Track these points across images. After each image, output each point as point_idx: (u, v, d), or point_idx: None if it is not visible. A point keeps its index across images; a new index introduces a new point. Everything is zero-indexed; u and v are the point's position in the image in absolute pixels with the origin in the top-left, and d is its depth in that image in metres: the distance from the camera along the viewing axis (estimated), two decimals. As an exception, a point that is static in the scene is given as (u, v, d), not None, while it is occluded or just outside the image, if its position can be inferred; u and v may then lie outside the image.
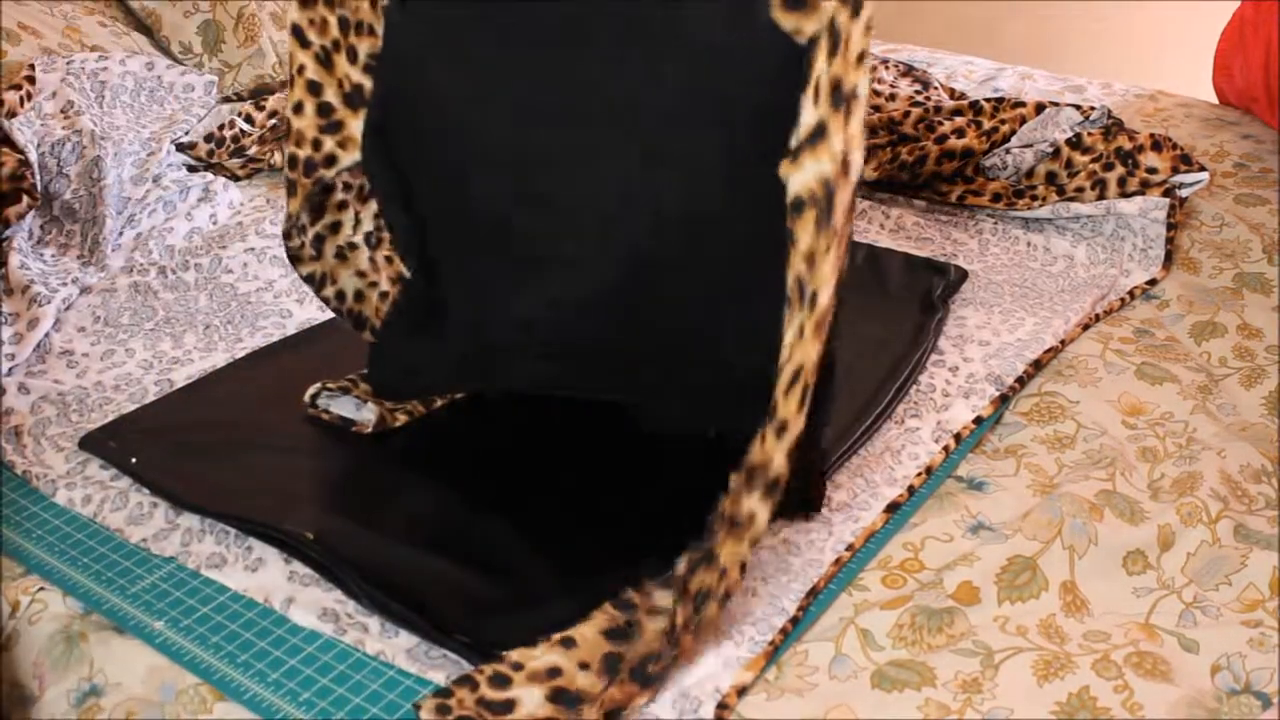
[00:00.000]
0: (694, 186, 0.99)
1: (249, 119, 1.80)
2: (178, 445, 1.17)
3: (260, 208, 1.64)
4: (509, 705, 0.88)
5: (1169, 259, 1.52)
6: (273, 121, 1.81)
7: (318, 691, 0.92)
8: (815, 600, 1.00)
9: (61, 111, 1.64)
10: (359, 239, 1.22)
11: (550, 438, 1.20)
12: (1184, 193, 1.63)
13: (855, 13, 0.88)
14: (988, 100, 1.85)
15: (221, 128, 1.77)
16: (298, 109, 1.12)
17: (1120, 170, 1.61)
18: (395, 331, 1.20)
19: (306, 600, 0.99)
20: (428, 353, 1.17)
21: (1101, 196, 1.60)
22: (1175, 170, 1.63)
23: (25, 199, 1.50)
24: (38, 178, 1.55)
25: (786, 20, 0.90)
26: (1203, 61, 2.11)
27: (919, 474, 1.14)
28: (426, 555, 1.04)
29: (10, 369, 1.29)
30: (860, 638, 0.96)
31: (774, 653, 0.95)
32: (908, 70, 2.13)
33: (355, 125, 1.12)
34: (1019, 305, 1.44)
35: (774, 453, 0.91)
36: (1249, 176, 1.71)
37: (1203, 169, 1.65)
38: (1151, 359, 1.33)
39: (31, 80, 1.68)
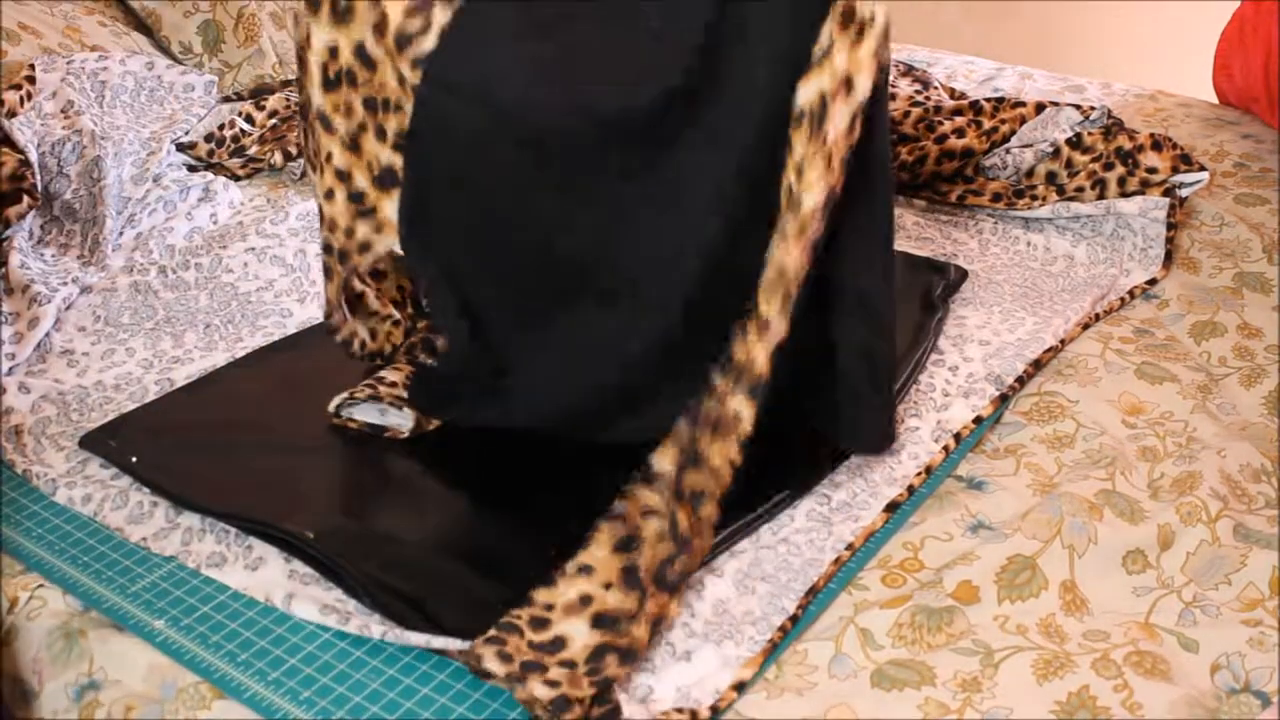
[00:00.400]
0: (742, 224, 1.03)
1: (249, 119, 1.80)
2: (178, 444, 1.17)
3: (260, 207, 1.64)
4: (559, 643, 0.90)
5: (1169, 259, 1.52)
6: (273, 121, 1.81)
7: (318, 690, 0.92)
8: (815, 599, 1.00)
9: (62, 111, 1.64)
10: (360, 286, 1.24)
11: (551, 440, 1.20)
12: (1184, 192, 1.63)
13: None
14: (988, 100, 1.85)
15: (221, 127, 1.77)
16: (329, 196, 1.10)
17: (1120, 170, 1.61)
18: (446, 377, 1.20)
19: (306, 599, 0.99)
20: (482, 397, 1.17)
21: (1101, 196, 1.60)
22: (1175, 170, 1.63)
23: (25, 199, 1.51)
24: (38, 177, 1.55)
25: None
26: (1203, 61, 2.11)
27: (919, 473, 1.14)
28: (426, 554, 1.04)
29: (10, 368, 1.29)
30: (860, 637, 0.96)
31: (773, 651, 0.95)
32: (908, 70, 2.13)
33: (389, 207, 1.09)
34: (1019, 305, 1.44)
35: (756, 352, 0.96)
36: (1249, 176, 1.72)
37: (1203, 169, 1.65)
38: (1151, 358, 1.33)
39: (32, 80, 1.68)
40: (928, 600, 0.99)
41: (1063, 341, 1.35)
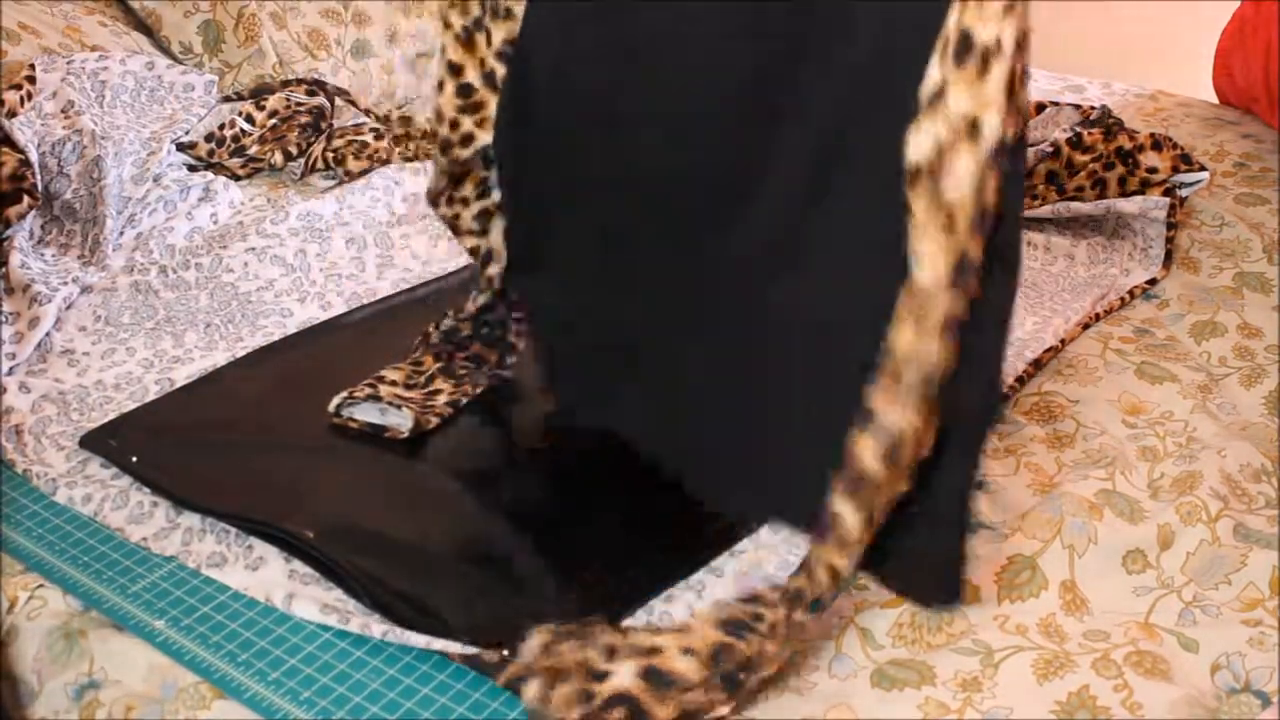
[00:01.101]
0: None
1: (249, 118, 1.80)
2: (178, 444, 1.17)
3: (260, 207, 1.64)
4: (604, 675, 0.85)
5: (1169, 258, 1.52)
6: (273, 121, 1.81)
7: (318, 690, 0.92)
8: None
9: (62, 111, 1.64)
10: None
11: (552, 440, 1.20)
12: (1184, 192, 1.63)
13: None
14: (988, 100, 1.84)
15: (222, 127, 1.77)
16: (439, 86, 1.13)
17: (1120, 170, 1.61)
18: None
19: (307, 599, 0.99)
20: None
21: (1101, 196, 1.60)
22: (1175, 170, 1.63)
23: (26, 199, 1.50)
24: (38, 177, 1.55)
25: None
26: (1203, 61, 2.10)
27: (919, 473, 1.14)
28: (427, 554, 1.04)
29: (11, 368, 1.29)
30: (860, 637, 0.96)
31: (774, 652, 0.95)
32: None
33: (494, 104, 1.13)
34: (1019, 305, 1.44)
35: (861, 448, 0.84)
36: (1249, 176, 1.71)
37: (1203, 168, 1.65)
38: (1151, 358, 1.33)
39: (32, 80, 1.68)
40: (928, 600, 0.99)
41: (1063, 341, 1.35)
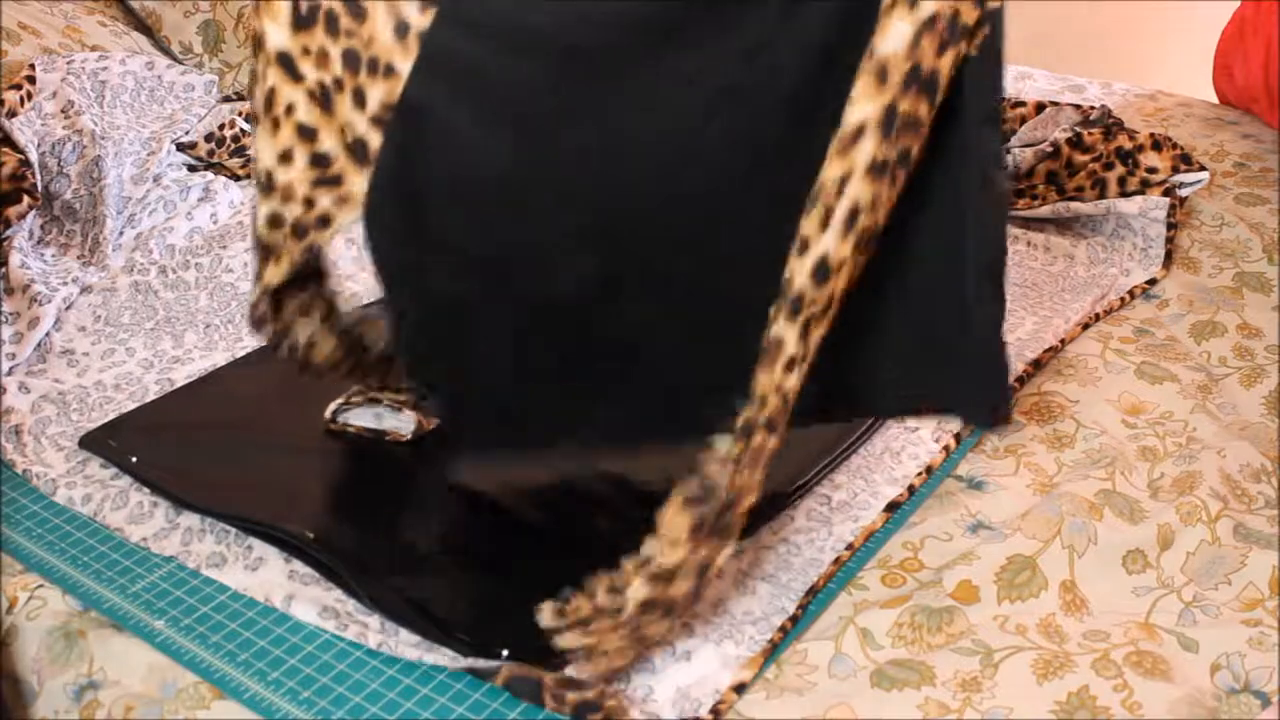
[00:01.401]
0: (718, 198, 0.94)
1: (249, 118, 1.80)
2: (178, 444, 1.17)
3: (260, 207, 1.64)
4: (619, 610, 0.88)
5: (1169, 258, 1.52)
6: (273, 121, 1.81)
7: (317, 690, 0.92)
8: (815, 599, 1.00)
9: (62, 111, 1.64)
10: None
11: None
12: (1184, 192, 1.63)
13: None
14: (988, 100, 1.84)
15: (222, 127, 1.77)
16: (285, 158, 0.92)
17: (1120, 170, 1.61)
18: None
19: (307, 599, 0.99)
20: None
21: (1101, 196, 1.60)
22: (1175, 170, 1.63)
23: (25, 199, 1.51)
24: (38, 177, 1.55)
25: None
26: (1203, 61, 2.10)
27: (919, 473, 1.14)
28: (427, 554, 1.04)
29: (11, 368, 1.29)
30: (860, 637, 0.96)
31: (773, 651, 0.95)
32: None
33: (359, 181, 0.92)
34: (1019, 305, 1.44)
35: (794, 269, 0.87)
36: (1249, 176, 1.71)
37: (1203, 169, 1.65)
38: (1151, 358, 1.33)
39: (32, 80, 1.68)
40: (928, 600, 0.99)
41: (1063, 341, 1.35)
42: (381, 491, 1.14)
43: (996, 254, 0.95)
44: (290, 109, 0.91)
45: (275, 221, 0.95)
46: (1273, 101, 1.90)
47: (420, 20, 0.86)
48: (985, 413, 1.00)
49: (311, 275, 1.06)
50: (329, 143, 0.91)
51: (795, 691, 0.92)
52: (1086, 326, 1.39)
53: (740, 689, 0.91)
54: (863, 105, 0.85)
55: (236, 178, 1.71)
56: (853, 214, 0.87)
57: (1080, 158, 1.65)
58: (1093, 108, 1.78)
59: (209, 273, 1.47)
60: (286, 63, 0.89)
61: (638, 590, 0.88)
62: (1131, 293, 1.47)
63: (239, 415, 1.23)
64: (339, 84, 0.89)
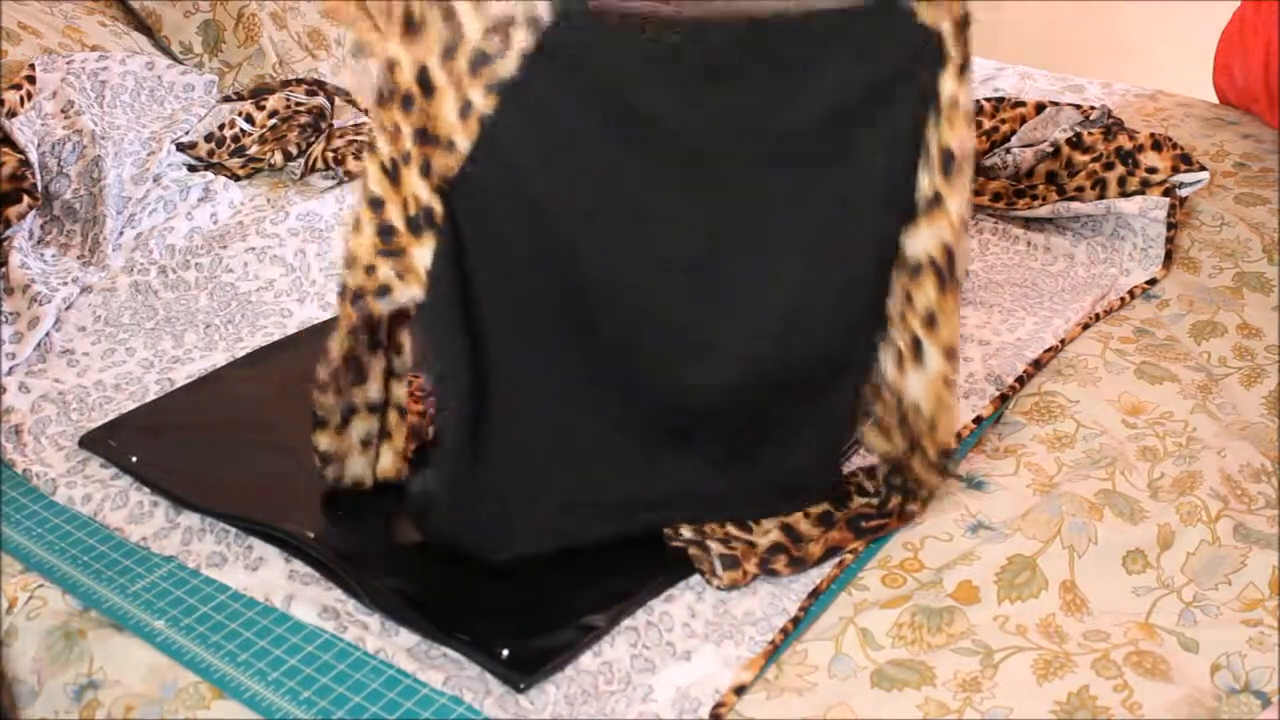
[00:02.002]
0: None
1: (249, 118, 1.80)
2: (178, 444, 1.17)
3: (260, 207, 1.64)
4: (750, 542, 1.03)
5: (1169, 258, 1.52)
6: (273, 121, 1.81)
7: (317, 690, 0.92)
8: (816, 600, 1.00)
9: (62, 111, 1.64)
10: (375, 394, 1.06)
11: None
12: (1184, 192, 1.63)
13: (961, 72, 0.99)
14: (988, 100, 1.85)
15: (222, 127, 1.77)
16: (355, 226, 0.96)
17: (1120, 170, 1.61)
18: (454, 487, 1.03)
19: (306, 599, 0.99)
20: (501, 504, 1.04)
21: (1101, 196, 1.60)
22: (1175, 170, 1.62)
23: (26, 199, 1.51)
24: (38, 177, 1.55)
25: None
26: (1203, 61, 2.10)
27: (919, 473, 1.14)
28: (426, 554, 1.04)
29: (11, 368, 1.29)
30: (860, 637, 0.96)
31: (774, 652, 0.95)
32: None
33: (418, 254, 0.95)
34: (1019, 305, 1.44)
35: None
36: (1249, 176, 1.71)
37: (1203, 169, 1.65)
38: (1151, 358, 1.33)
39: (32, 80, 1.68)
40: (928, 600, 0.99)
41: (1063, 341, 1.35)
42: (381, 491, 1.14)
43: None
44: (365, 179, 0.96)
45: (341, 290, 0.98)
46: (1273, 101, 1.90)
47: (483, 103, 0.91)
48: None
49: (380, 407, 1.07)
50: (394, 214, 0.95)
51: (795, 691, 0.92)
52: (1086, 326, 1.39)
53: (740, 690, 0.91)
54: (956, 330, 1.04)
55: (236, 178, 1.71)
56: None
57: (1080, 158, 1.65)
58: (1093, 108, 1.78)
59: (209, 273, 1.47)
60: (374, 139, 0.94)
61: (772, 535, 1.04)
62: (1131, 293, 1.47)
63: (239, 415, 1.23)
64: (407, 158, 0.93)
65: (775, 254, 1.01)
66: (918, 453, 1.06)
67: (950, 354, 1.04)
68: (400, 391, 1.07)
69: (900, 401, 1.06)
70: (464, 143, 0.92)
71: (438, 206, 0.94)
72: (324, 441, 1.06)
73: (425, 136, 0.92)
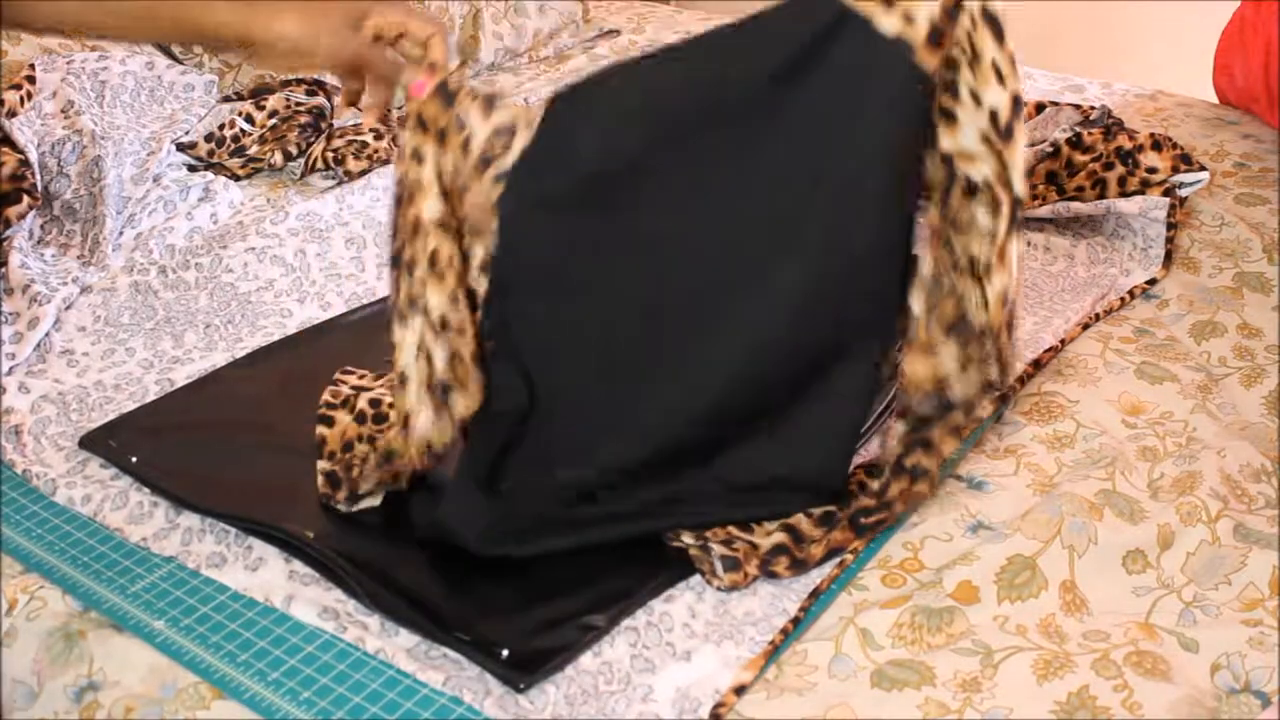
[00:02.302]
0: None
1: (249, 118, 1.80)
2: (178, 444, 1.17)
3: (260, 207, 1.64)
4: (752, 543, 1.03)
5: (1169, 258, 1.52)
6: (273, 121, 1.81)
7: (317, 690, 0.92)
8: (816, 600, 1.00)
9: (62, 111, 1.65)
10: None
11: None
12: (1184, 192, 1.63)
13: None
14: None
15: (222, 127, 1.77)
16: (454, 300, 1.03)
17: (1120, 170, 1.61)
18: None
19: (306, 599, 0.99)
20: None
21: (1101, 196, 1.60)
22: (1175, 170, 1.62)
23: (25, 199, 1.51)
24: (38, 177, 1.55)
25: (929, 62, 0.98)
26: (1203, 61, 2.10)
27: (919, 473, 1.14)
28: (426, 554, 1.04)
29: (10, 368, 1.29)
30: (860, 637, 0.96)
31: (774, 652, 0.95)
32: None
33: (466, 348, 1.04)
34: (1019, 305, 1.44)
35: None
36: (1249, 176, 1.71)
37: (1203, 169, 1.65)
38: (1151, 358, 1.33)
39: (31, 80, 1.68)
40: (928, 600, 0.99)
41: (1063, 341, 1.35)
42: (381, 491, 1.14)
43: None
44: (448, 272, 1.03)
45: (456, 360, 1.03)
46: (1273, 101, 1.89)
47: (493, 191, 1.01)
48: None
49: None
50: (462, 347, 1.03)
51: (795, 691, 0.92)
52: (1086, 326, 1.39)
53: (740, 690, 0.91)
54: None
55: (236, 178, 1.71)
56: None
57: (1080, 158, 1.65)
58: (1093, 108, 1.78)
59: (209, 273, 1.47)
60: (443, 226, 1.03)
61: (774, 537, 1.03)
62: (1131, 293, 1.47)
63: (239, 415, 1.23)
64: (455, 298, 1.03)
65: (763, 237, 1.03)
66: (977, 365, 1.04)
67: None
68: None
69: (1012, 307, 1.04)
70: (491, 224, 1.02)
71: (481, 286, 1.03)
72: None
73: (465, 227, 1.03)
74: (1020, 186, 1.00)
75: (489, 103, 1.02)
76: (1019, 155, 0.99)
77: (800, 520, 1.05)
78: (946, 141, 1.00)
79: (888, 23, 0.97)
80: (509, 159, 1.01)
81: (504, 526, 1.03)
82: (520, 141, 1.01)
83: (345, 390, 1.22)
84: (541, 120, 1.01)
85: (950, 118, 1.00)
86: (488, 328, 1.04)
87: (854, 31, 0.98)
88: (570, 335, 1.06)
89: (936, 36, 0.97)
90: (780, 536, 1.03)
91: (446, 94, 1.02)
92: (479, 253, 1.03)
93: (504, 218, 1.01)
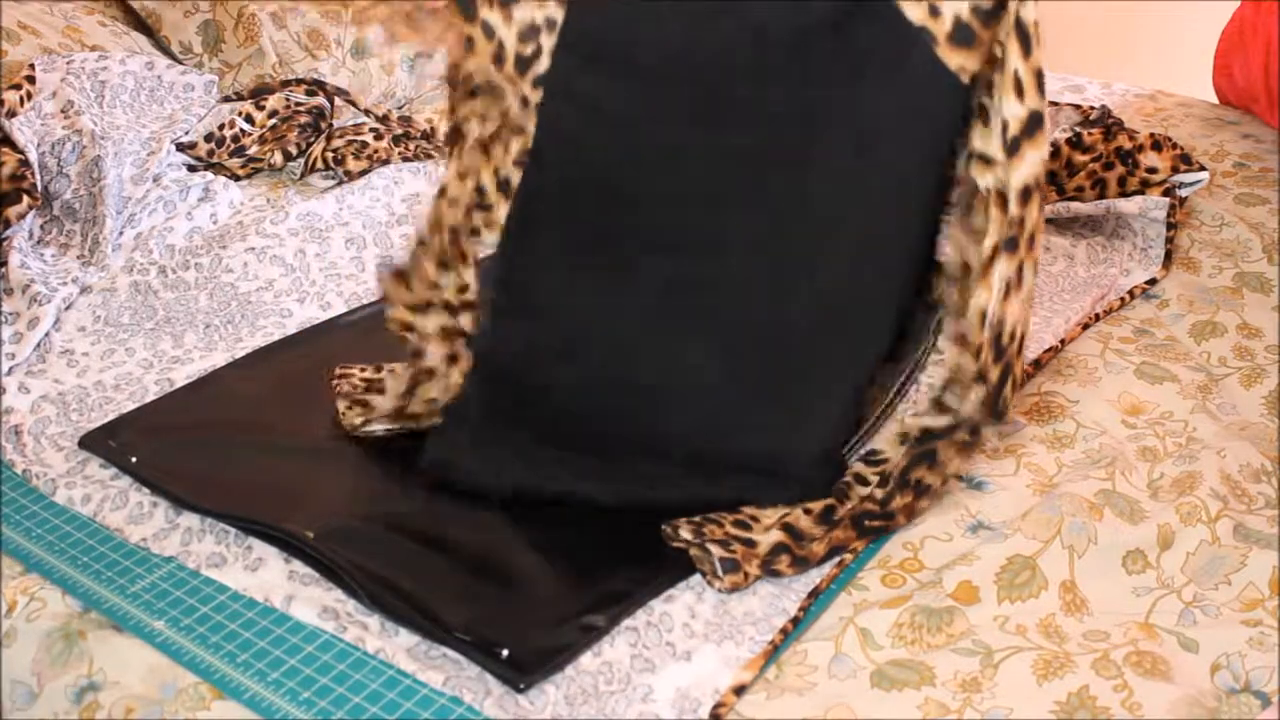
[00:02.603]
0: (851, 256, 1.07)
1: (249, 119, 1.80)
2: (178, 444, 1.17)
3: (260, 207, 1.64)
4: (750, 542, 1.02)
5: (1169, 258, 1.52)
6: (273, 121, 1.81)
7: (317, 691, 0.92)
8: (816, 600, 1.00)
9: (61, 111, 1.64)
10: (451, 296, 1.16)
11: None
12: (1184, 192, 1.63)
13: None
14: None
15: (221, 127, 1.77)
16: (460, 176, 1.12)
17: (1120, 170, 1.61)
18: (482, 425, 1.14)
19: (306, 599, 0.99)
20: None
21: (1101, 196, 1.60)
22: (1175, 170, 1.63)
23: (25, 199, 1.50)
24: (38, 177, 1.55)
25: (953, 59, 0.98)
26: (1203, 61, 2.10)
27: (919, 473, 1.14)
28: (426, 554, 1.04)
29: (10, 368, 1.29)
30: (860, 637, 0.96)
31: (774, 652, 0.95)
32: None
33: (503, 210, 1.12)
34: (1023, 341, 1.44)
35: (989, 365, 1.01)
36: (1249, 176, 1.71)
37: (1203, 169, 1.65)
38: (1151, 358, 1.33)
39: (31, 80, 1.68)
40: (927, 600, 0.99)
41: (1063, 341, 1.35)
42: (381, 491, 1.14)
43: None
44: (460, 153, 1.12)
45: (436, 224, 1.12)
46: (1273, 101, 1.90)
47: (534, 95, 1.09)
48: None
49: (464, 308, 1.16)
50: (486, 179, 1.12)
51: (795, 691, 0.92)
52: (1086, 326, 1.39)
53: (740, 690, 0.91)
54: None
55: (236, 178, 1.71)
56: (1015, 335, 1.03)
57: (1080, 158, 1.65)
58: (1093, 108, 1.78)
59: (209, 273, 1.47)
60: (458, 128, 1.11)
61: (773, 535, 1.03)
62: (1131, 293, 1.47)
63: (239, 415, 1.23)
64: (495, 136, 1.10)
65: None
66: (997, 381, 1.03)
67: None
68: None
69: (999, 329, 1.03)
70: (531, 126, 1.09)
71: (515, 178, 1.11)
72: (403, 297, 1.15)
73: (504, 121, 1.10)
74: (1015, 208, 0.99)
75: (505, 4, 1.06)
76: (1021, 175, 0.99)
77: (799, 518, 1.05)
78: (977, 141, 1.01)
79: (912, 9, 0.98)
80: (542, 64, 1.07)
81: (491, 460, 1.09)
82: (546, 44, 1.07)
83: (357, 380, 1.23)
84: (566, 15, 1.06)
85: (985, 118, 1.00)
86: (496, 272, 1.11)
87: (879, 11, 0.99)
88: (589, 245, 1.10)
89: (964, 34, 0.97)
90: (779, 535, 1.03)
91: (466, 5, 1.06)
92: (515, 146, 1.10)
93: (544, 121, 1.08)
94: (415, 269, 1.12)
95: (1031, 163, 0.99)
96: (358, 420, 1.18)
